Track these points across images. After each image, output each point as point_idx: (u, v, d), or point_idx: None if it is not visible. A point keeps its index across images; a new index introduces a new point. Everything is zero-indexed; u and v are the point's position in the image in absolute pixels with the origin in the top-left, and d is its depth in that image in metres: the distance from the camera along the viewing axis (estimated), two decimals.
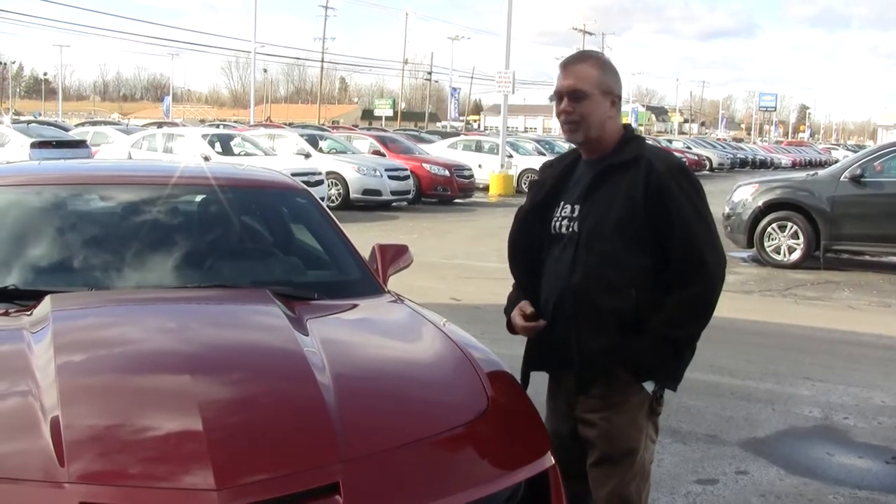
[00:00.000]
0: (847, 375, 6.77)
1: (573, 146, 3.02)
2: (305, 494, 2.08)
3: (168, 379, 2.51)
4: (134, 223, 3.90)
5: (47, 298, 3.12)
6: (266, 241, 4.20)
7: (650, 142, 3.92)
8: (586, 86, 2.82)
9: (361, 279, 3.79)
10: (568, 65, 2.88)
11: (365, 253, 4.07)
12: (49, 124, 30.37)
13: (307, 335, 2.84)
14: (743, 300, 9.96)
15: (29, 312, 3.07)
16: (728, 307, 9.08)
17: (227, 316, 3.26)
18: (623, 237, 2.77)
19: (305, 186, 4.52)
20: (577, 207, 2.87)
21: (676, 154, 3.82)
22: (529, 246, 3.02)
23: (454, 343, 2.98)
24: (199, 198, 4.22)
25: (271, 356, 2.77)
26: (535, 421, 2.69)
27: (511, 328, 3.03)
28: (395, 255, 4.07)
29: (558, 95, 2.87)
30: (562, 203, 2.93)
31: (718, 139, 67.69)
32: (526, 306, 2.96)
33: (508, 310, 3.04)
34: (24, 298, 3.25)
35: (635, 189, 2.77)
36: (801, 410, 5.86)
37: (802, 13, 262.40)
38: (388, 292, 3.72)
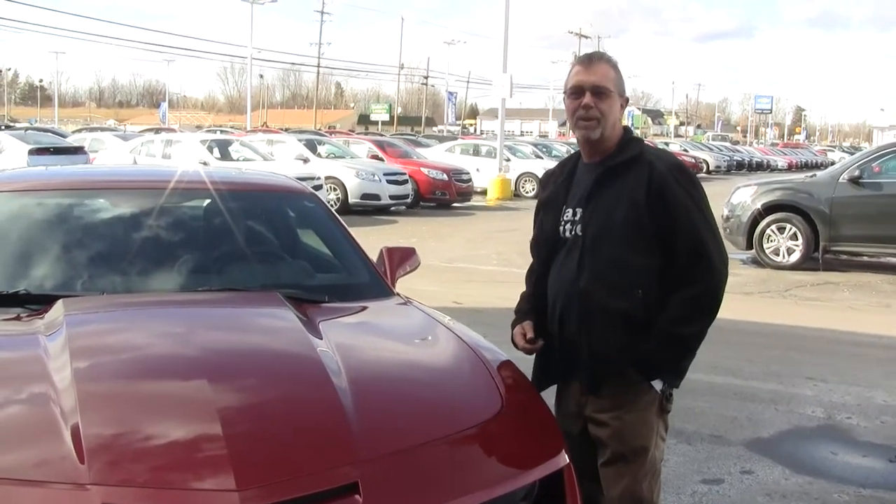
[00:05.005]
0: (849, 375, 6.80)
1: (570, 152, 3.03)
2: (325, 494, 2.09)
3: (185, 383, 2.52)
4: (143, 227, 3.90)
5: (59, 303, 3.13)
6: (275, 245, 4.21)
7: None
8: (610, 84, 2.86)
9: (371, 282, 3.81)
10: (592, 62, 2.90)
11: (371, 256, 4.09)
12: (46, 131, 30.31)
13: (321, 338, 2.86)
14: (743, 301, 9.99)
15: (41, 317, 3.08)
16: (728, 308, 9.01)
17: (240, 319, 3.28)
18: (628, 239, 2.80)
19: (312, 190, 4.54)
20: (578, 211, 2.90)
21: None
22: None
23: (466, 344, 3.00)
24: (207, 202, 4.23)
25: (286, 359, 2.79)
26: (549, 420, 2.71)
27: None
28: (402, 258, 4.09)
29: (579, 90, 2.86)
30: (564, 207, 2.96)
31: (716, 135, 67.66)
32: (529, 329, 3.00)
33: (514, 324, 3.07)
34: (36, 303, 3.25)
35: (637, 190, 2.79)
36: (804, 410, 5.89)
37: (801, 14, 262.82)
38: (398, 295, 3.74)
